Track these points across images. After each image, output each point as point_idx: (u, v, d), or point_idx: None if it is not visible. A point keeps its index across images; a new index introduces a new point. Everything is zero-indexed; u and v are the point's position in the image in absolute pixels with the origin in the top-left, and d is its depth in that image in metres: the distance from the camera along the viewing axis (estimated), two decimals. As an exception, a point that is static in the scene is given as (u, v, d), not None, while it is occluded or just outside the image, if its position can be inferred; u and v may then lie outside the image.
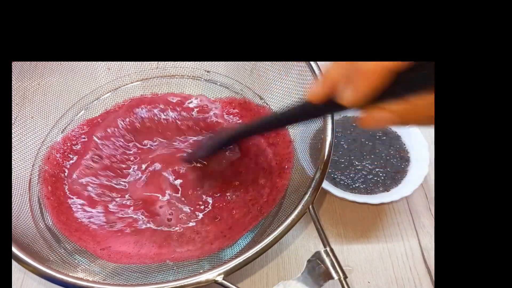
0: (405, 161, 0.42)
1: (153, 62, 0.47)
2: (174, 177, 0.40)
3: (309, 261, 0.29)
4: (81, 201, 0.39)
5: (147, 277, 0.33)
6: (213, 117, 0.45)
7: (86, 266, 0.33)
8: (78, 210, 0.38)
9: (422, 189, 0.42)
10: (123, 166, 0.42)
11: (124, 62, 0.46)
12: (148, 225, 0.38)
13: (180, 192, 0.39)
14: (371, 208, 0.41)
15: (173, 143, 0.43)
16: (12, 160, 0.37)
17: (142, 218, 0.38)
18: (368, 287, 0.36)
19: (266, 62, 0.43)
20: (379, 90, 0.19)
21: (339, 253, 0.36)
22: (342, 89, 0.21)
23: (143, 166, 0.41)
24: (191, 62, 0.47)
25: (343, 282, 0.27)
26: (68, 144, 0.43)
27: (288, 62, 0.40)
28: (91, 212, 0.38)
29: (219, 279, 0.27)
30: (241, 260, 0.28)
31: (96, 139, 0.42)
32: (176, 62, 0.47)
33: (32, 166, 0.39)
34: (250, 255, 0.28)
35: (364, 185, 0.40)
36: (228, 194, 0.39)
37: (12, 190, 0.36)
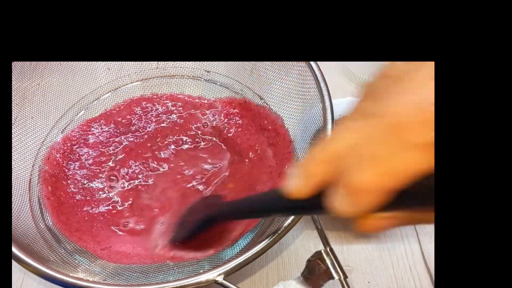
0: (405, 161, 0.42)
1: (153, 62, 0.47)
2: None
3: (309, 261, 0.29)
4: (81, 201, 0.39)
5: (147, 277, 0.33)
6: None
7: (86, 266, 0.33)
8: (78, 209, 0.38)
9: (422, 189, 0.42)
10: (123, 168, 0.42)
11: (124, 62, 0.46)
12: (148, 225, 0.38)
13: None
14: (371, 208, 0.41)
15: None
16: (12, 160, 0.37)
17: (142, 218, 0.38)
18: (368, 287, 0.36)
19: (266, 62, 0.43)
20: (377, 209, 0.17)
21: (339, 253, 0.36)
22: (333, 193, 0.18)
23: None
24: (191, 62, 0.47)
25: (343, 282, 0.27)
26: (68, 144, 0.43)
27: (288, 62, 0.40)
28: (91, 212, 0.38)
29: (219, 279, 0.27)
30: (241, 260, 0.28)
31: (96, 139, 0.42)
32: (176, 62, 0.47)
33: (32, 166, 0.39)
34: (250, 255, 0.28)
35: (364, 185, 0.40)
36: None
37: (12, 190, 0.36)
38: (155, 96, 0.47)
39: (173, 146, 0.43)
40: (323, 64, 0.37)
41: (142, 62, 0.47)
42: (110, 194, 0.40)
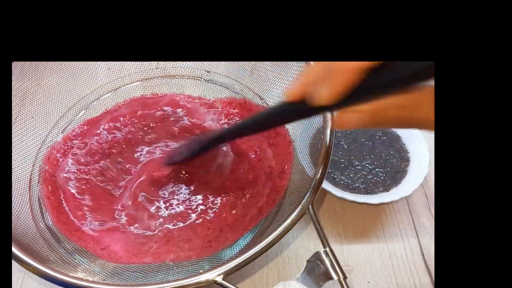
0: (405, 161, 0.42)
1: (153, 62, 0.47)
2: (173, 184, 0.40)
3: (308, 261, 0.29)
4: (81, 201, 0.39)
5: (147, 277, 0.33)
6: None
7: (86, 266, 0.33)
8: (78, 209, 0.38)
9: (422, 189, 0.42)
10: (124, 168, 0.42)
11: (124, 62, 0.46)
12: (148, 225, 0.38)
13: (180, 193, 0.39)
14: (371, 208, 0.41)
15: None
16: (12, 160, 0.37)
17: (142, 219, 0.38)
18: (368, 287, 0.36)
19: (266, 62, 0.43)
20: (351, 88, 0.20)
21: (339, 253, 0.36)
22: (317, 89, 0.21)
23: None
24: (191, 62, 0.47)
25: (343, 282, 0.27)
26: (69, 144, 0.43)
27: (288, 62, 0.40)
28: (90, 211, 0.38)
29: (219, 279, 0.27)
30: (241, 261, 0.28)
31: (96, 139, 0.42)
32: (176, 62, 0.47)
33: (32, 166, 0.39)
34: (250, 255, 0.28)
35: (364, 185, 0.40)
36: (228, 194, 0.39)
37: (12, 190, 0.36)
38: (155, 96, 0.47)
39: (173, 146, 0.43)
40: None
41: (142, 62, 0.47)
42: (110, 193, 0.40)
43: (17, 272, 0.36)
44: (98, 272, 0.33)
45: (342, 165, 0.41)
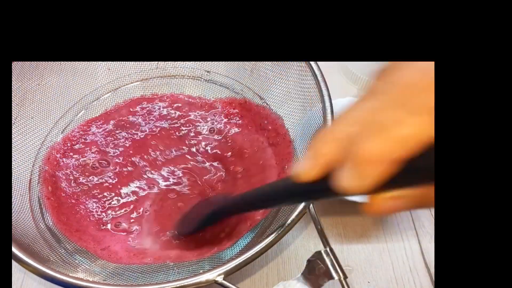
0: (405, 161, 0.42)
1: (153, 62, 0.47)
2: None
3: (309, 261, 0.29)
4: (81, 201, 0.39)
5: (147, 277, 0.33)
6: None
7: (87, 266, 0.33)
8: (78, 209, 0.38)
9: (422, 189, 0.42)
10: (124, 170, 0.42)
11: (124, 62, 0.46)
12: (148, 225, 0.38)
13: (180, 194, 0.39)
14: (371, 208, 0.41)
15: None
16: (12, 160, 0.37)
17: (142, 218, 0.38)
18: (368, 287, 0.36)
19: (266, 62, 0.43)
20: (386, 180, 0.16)
21: (339, 253, 0.36)
22: (341, 171, 0.17)
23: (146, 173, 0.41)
24: (191, 62, 0.47)
25: (343, 282, 0.27)
26: (68, 144, 0.43)
27: (288, 62, 0.40)
28: (90, 211, 0.38)
29: (219, 279, 0.27)
30: (241, 261, 0.28)
31: (96, 139, 0.42)
32: (176, 62, 0.47)
33: (32, 166, 0.39)
34: (250, 255, 0.28)
35: (364, 185, 0.40)
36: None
37: (12, 190, 0.36)
38: (155, 96, 0.47)
39: (173, 147, 0.43)
40: (323, 64, 0.37)
41: (142, 62, 0.47)
42: (110, 194, 0.40)
43: (17, 272, 0.36)
44: (99, 272, 0.33)
45: (342, 165, 0.41)
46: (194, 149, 0.43)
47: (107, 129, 0.44)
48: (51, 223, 0.36)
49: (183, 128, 0.44)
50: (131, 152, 0.43)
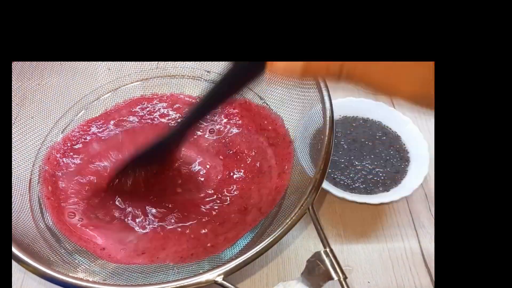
0: (405, 161, 0.42)
1: (153, 62, 0.47)
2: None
3: (309, 261, 0.29)
4: (80, 201, 0.39)
5: (147, 277, 0.33)
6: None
7: (87, 266, 0.33)
8: (77, 210, 0.38)
9: (422, 189, 0.42)
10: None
11: (124, 62, 0.46)
12: (149, 225, 0.38)
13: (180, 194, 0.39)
14: (371, 208, 0.41)
15: None
16: (12, 160, 0.37)
17: (142, 218, 0.38)
18: (368, 287, 0.36)
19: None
20: None
21: (339, 253, 0.36)
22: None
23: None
24: (191, 62, 0.47)
25: (343, 282, 0.27)
26: (68, 144, 0.43)
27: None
28: (91, 212, 0.38)
29: (219, 279, 0.27)
30: (241, 261, 0.28)
31: (96, 139, 0.42)
32: (176, 62, 0.47)
33: (32, 166, 0.39)
34: (250, 255, 0.28)
35: (364, 185, 0.40)
36: (228, 194, 0.39)
37: (12, 190, 0.36)
38: (155, 96, 0.47)
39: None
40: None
41: (142, 62, 0.47)
42: (111, 193, 0.40)
43: (17, 272, 0.36)
44: (98, 272, 0.33)
45: (342, 165, 0.41)
46: (193, 149, 0.43)
47: (107, 129, 0.44)
48: (51, 223, 0.36)
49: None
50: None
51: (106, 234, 0.37)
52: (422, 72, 0.19)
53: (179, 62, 0.47)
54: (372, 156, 0.42)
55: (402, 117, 0.44)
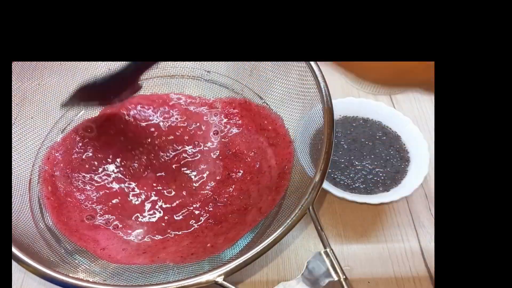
0: (405, 161, 0.42)
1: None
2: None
3: (309, 261, 0.29)
4: (81, 201, 0.39)
5: (147, 277, 0.33)
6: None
7: (87, 266, 0.33)
8: (78, 209, 0.38)
9: (422, 189, 0.42)
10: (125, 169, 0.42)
11: (124, 62, 0.46)
12: (149, 225, 0.38)
13: (180, 193, 0.39)
14: (371, 208, 0.41)
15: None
16: (12, 160, 0.37)
17: (142, 219, 0.38)
18: (368, 287, 0.36)
19: (266, 62, 0.43)
20: None
21: (339, 253, 0.36)
22: None
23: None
24: (191, 62, 0.47)
25: (343, 282, 0.27)
26: (68, 145, 0.42)
27: (288, 62, 0.40)
28: (90, 211, 0.38)
29: (219, 280, 0.27)
30: (241, 261, 0.28)
31: (96, 139, 0.42)
32: (176, 62, 0.47)
33: (32, 166, 0.39)
34: (250, 255, 0.28)
35: (364, 185, 0.40)
36: (228, 195, 0.39)
37: (12, 190, 0.36)
38: (155, 96, 0.47)
39: (172, 146, 0.43)
40: (323, 64, 0.37)
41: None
42: (111, 193, 0.40)
43: (17, 272, 0.36)
44: (99, 272, 0.33)
45: (342, 165, 0.41)
46: (194, 149, 0.43)
47: (107, 129, 0.44)
48: (51, 223, 0.36)
49: (183, 128, 0.44)
50: (130, 152, 0.43)
51: (106, 234, 0.37)
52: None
53: (179, 62, 0.47)
54: (372, 156, 0.42)
55: (402, 117, 0.44)
